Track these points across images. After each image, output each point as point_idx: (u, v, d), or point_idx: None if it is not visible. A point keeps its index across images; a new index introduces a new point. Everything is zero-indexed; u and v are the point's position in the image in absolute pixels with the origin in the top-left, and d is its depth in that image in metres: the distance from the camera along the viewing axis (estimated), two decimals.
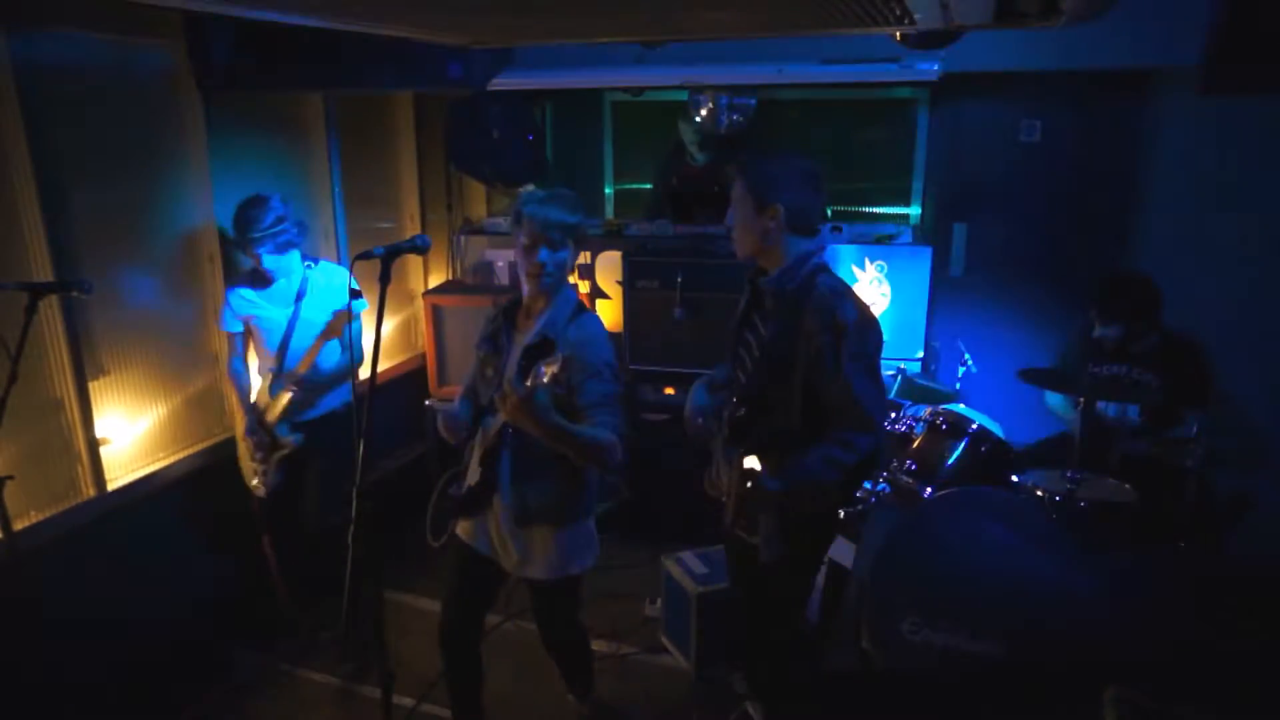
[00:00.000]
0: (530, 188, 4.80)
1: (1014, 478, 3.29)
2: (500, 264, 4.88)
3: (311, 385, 3.20)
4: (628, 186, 5.61)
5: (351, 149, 4.28)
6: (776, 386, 2.26)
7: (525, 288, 2.42)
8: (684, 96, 4.79)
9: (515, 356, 2.39)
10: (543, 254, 2.31)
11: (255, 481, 3.26)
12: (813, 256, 2.29)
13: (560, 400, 2.21)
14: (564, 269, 2.39)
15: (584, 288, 4.74)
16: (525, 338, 2.40)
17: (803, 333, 2.21)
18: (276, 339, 3.19)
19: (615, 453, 2.28)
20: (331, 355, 3.24)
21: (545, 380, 2.01)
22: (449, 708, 2.77)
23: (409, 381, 4.72)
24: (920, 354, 4.30)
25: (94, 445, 3.03)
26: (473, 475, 2.45)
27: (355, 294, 2.63)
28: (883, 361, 2.34)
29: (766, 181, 2.26)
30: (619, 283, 4.49)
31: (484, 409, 2.45)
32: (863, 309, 2.26)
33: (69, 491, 3.00)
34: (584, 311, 2.43)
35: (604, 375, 2.32)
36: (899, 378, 3.86)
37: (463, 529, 2.55)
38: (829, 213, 4.81)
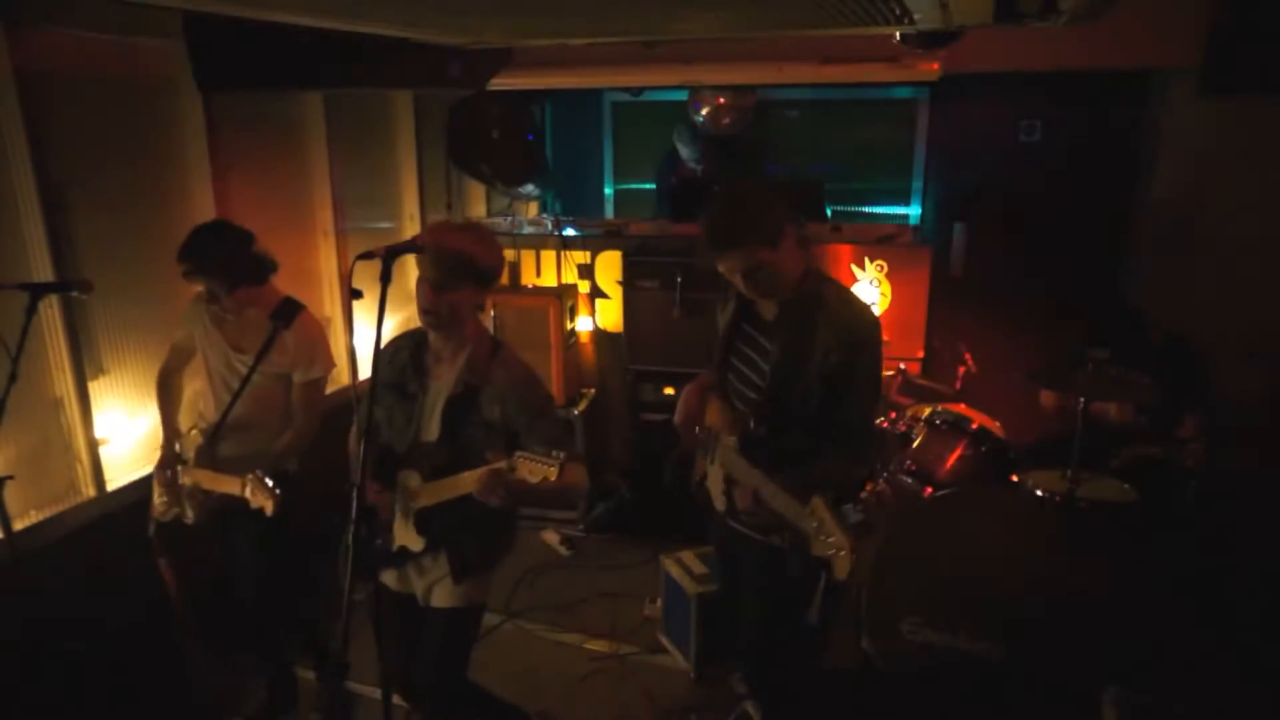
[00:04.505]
0: (530, 188, 4.81)
1: (1014, 478, 3.29)
2: None
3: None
4: (628, 186, 5.61)
5: (351, 149, 4.28)
6: (793, 403, 2.22)
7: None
8: (684, 96, 4.80)
9: (435, 405, 2.27)
10: (432, 292, 2.16)
11: (157, 499, 2.86)
12: (809, 264, 2.26)
13: (500, 440, 2.16)
14: (456, 313, 2.19)
15: (584, 288, 4.75)
16: (444, 386, 2.27)
17: (818, 347, 2.16)
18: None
19: (584, 486, 2.27)
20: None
21: (535, 481, 1.96)
22: None
23: None
24: (920, 354, 4.30)
25: (94, 445, 3.03)
26: (408, 537, 2.29)
27: (355, 294, 2.58)
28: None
29: (773, 219, 2.16)
30: (619, 283, 4.50)
31: (400, 462, 2.28)
32: (874, 318, 2.25)
33: (69, 491, 2.99)
34: (501, 348, 2.32)
35: (547, 410, 2.29)
36: (899, 378, 3.86)
37: (388, 577, 2.41)
38: (829, 213, 4.82)
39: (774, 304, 2.27)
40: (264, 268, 2.76)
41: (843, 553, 1.94)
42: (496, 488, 2.03)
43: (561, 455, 1.97)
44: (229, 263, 2.66)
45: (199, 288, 2.72)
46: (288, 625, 3.03)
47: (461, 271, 2.15)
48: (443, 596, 2.34)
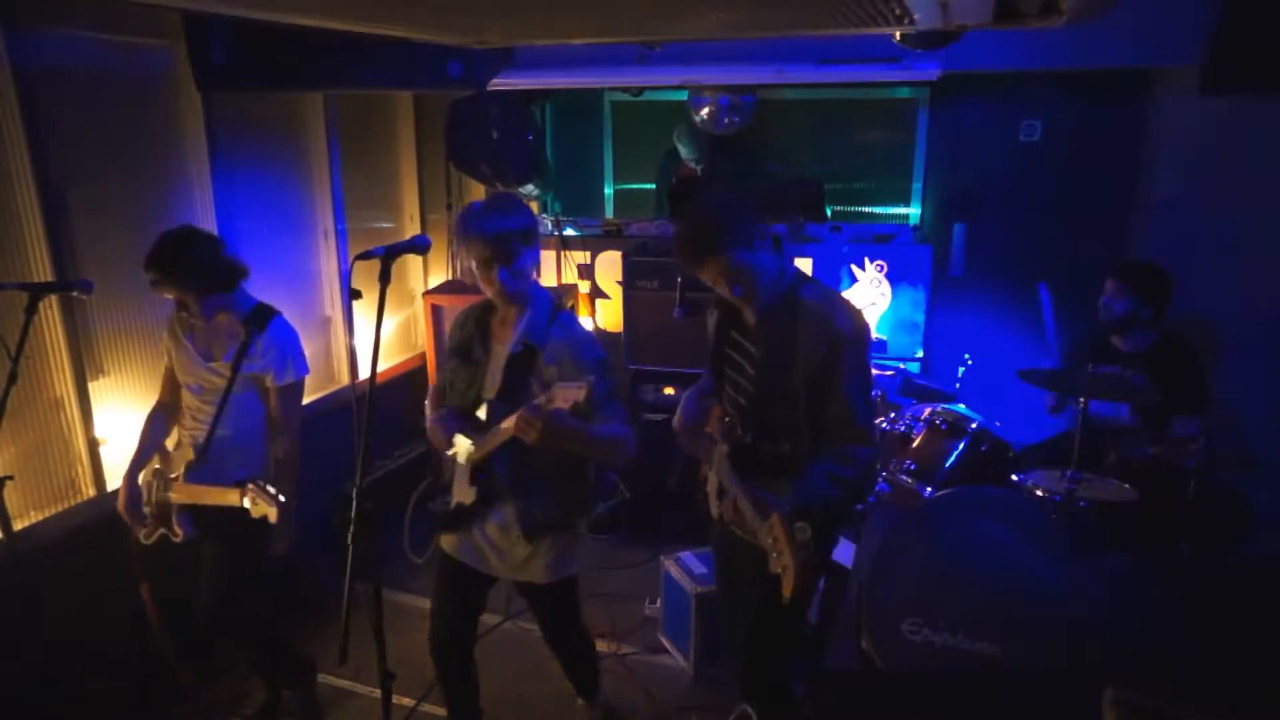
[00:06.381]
0: (530, 188, 4.80)
1: (1014, 478, 3.28)
2: None
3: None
4: (628, 186, 5.61)
5: (351, 149, 4.28)
6: (780, 409, 2.21)
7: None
8: (684, 96, 4.79)
9: (496, 366, 2.37)
10: (500, 272, 2.24)
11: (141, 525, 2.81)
12: (786, 268, 2.26)
13: None
14: (525, 275, 2.31)
15: (584, 288, 4.75)
16: (506, 347, 2.36)
17: (800, 349, 2.15)
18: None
19: (631, 445, 2.32)
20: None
21: (567, 408, 2.03)
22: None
23: (409, 381, 4.72)
24: (920, 354, 4.30)
25: (94, 445, 3.03)
26: (463, 492, 2.40)
27: (355, 294, 2.55)
28: (881, 362, 2.31)
29: (744, 224, 2.16)
30: (619, 283, 4.50)
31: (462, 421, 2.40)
32: (855, 315, 2.21)
33: (69, 491, 3.00)
34: (562, 310, 2.40)
35: (600, 372, 2.31)
36: (899, 378, 3.86)
37: (446, 541, 2.52)
38: (829, 213, 4.81)
39: (753, 310, 2.25)
40: (234, 273, 2.70)
41: (787, 573, 1.91)
42: (533, 422, 2.07)
43: (590, 378, 2.06)
44: (198, 271, 2.60)
45: (168, 296, 2.65)
46: (257, 631, 2.94)
47: (518, 238, 2.23)
48: (529, 573, 2.46)
